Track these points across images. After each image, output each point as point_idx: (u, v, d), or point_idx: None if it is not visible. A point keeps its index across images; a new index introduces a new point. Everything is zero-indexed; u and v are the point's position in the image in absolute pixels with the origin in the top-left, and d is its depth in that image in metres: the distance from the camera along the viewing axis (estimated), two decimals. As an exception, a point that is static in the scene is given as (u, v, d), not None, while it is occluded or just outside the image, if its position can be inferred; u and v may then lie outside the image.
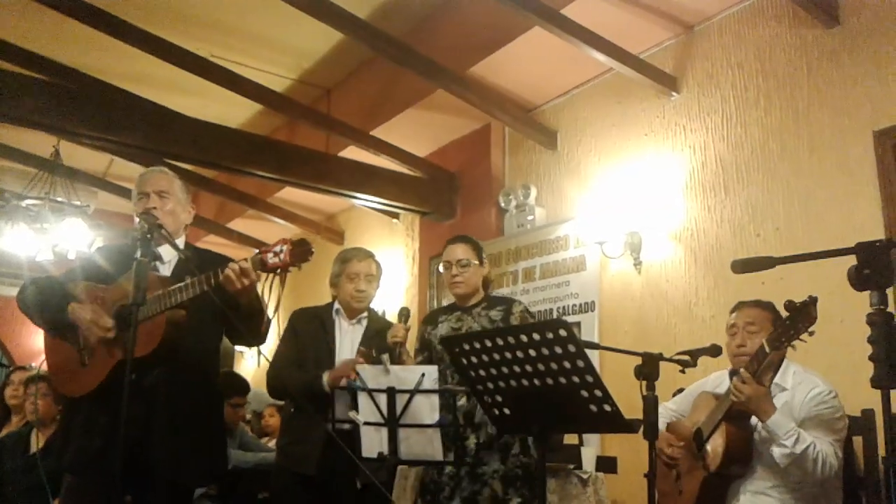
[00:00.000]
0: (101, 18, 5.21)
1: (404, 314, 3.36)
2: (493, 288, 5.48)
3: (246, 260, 2.62)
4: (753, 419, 2.87)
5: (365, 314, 3.64)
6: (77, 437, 2.75)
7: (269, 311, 2.79)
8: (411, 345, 3.48)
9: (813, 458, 2.68)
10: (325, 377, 3.34)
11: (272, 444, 5.29)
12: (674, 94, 4.74)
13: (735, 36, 4.49)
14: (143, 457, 2.61)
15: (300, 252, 2.51)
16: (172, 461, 2.68)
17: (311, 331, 3.58)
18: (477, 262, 3.44)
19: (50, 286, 2.86)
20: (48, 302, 2.80)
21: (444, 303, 3.63)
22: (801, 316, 2.57)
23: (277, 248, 2.53)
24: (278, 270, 2.54)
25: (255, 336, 2.90)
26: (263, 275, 2.59)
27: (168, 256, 2.89)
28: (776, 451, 2.73)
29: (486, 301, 3.46)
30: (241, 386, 5.21)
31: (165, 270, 2.88)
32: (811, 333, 2.60)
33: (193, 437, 2.78)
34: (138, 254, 2.53)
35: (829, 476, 2.74)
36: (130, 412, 2.40)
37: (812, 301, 2.56)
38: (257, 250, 2.61)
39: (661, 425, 3.19)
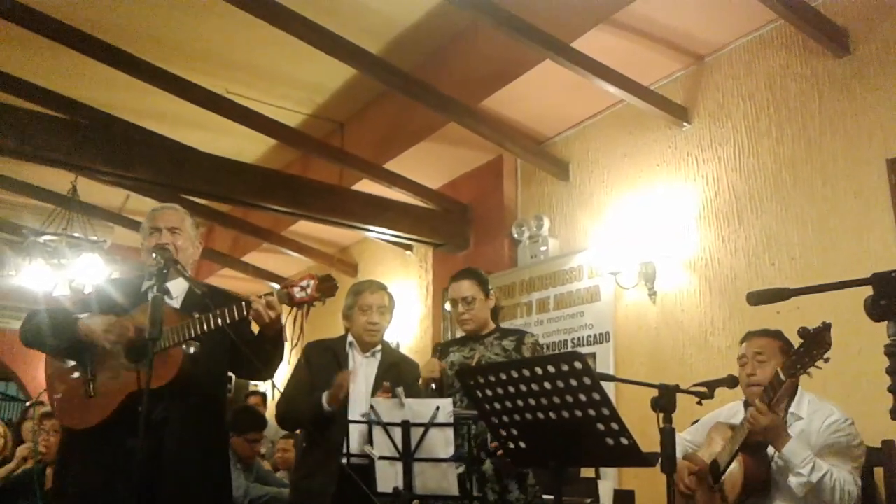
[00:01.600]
0: (118, 57, 5.31)
1: (438, 350, 3.36)
2: (507, 318, 5.52)
3: (272, 294, 2.69)
4: (770, 449, 2.83)
5: (379, 347, 3.63)
6: (78, 472, 2.73)
7: (288, 344, 2.85)
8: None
9: (830, 487, 2.64)
10: (325, 396, 3.34)
11: (286, 479, 5.27)
12: (685, 124, 4.75)
13: (745, 66, 4.51)
14: (151, 491, 2.59)
15: (326, 287, 2.63)
16: (181, 496, 2.66)
17: (324, 364, 3.57)
18: (483, 296, 3.43)
19: (60, 312, 2.83)
20: (58, 323, 2.75)
21: (458, 334, 3.61)
22: (816, 343, 2.55)
23: (304, 283, 2.64)
24: (304, 305, 2.64)
25: (270, 369, 2.95)
26: (286, 308, 2.69)
27: (176, 292, 2.90)
28: (793, 481, 2.69)
29: (498, 332, 3.46)
30: (258, 421, 5.19)
31: (174, 305, 2.88)
32: (826, 360, 2.58)
33: (201, 471, 2.78)
34: (154, 288, 2.57)
35: None
36: (137, 444, 2.43)
37: (826, 327, 2.54)
38: (280, 285, 2.70)
39: (677, 456, 3.16)
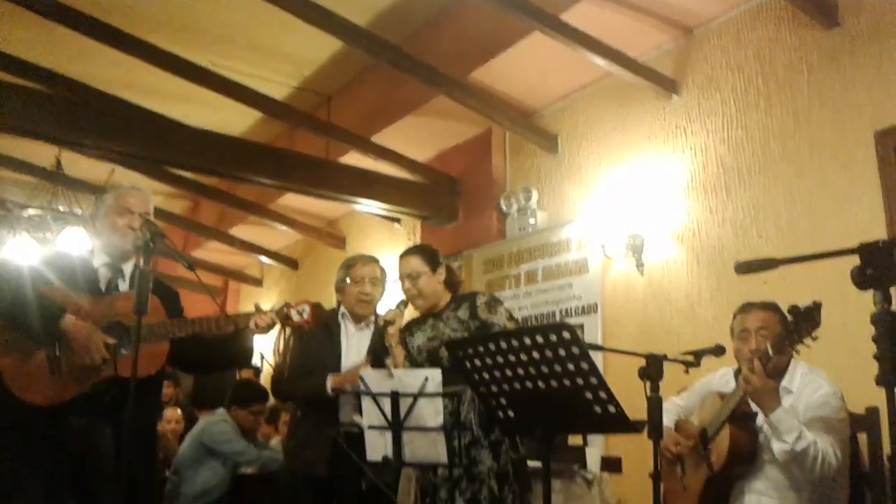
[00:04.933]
0: (102, 30, 5.24)
1: (402, 302, 3.37)
2: (495, 290, 5.54)
3: (270, 313, 2.89)
4: (759, 420, 2.87)
5: (371, 318, 3.66)
6: (11, 444, 2.66)
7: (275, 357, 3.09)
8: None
9: (812, 457, 2.67)
10: (329, 381, 3.37)
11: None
12: (674, 96, 4.75)
13: (734, 38, 4.50)
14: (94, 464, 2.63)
15: (318, 314, 2.95)
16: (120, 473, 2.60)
17: (317, 336, 3.60)
18: (429, 270, 3.38)
19: (46, 300, 2.68)
20: (41, 306, 2.64)
21: None
22: (806, 321, 2.57)
23: (301, 308, 2.92)
24: (295, 328, 2.98)
25: (208, 371, 3.27)
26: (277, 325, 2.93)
27: (127, 271, 2.92)
28: (776, 447, 2.72)
29: (453, 302, 3.42)
30: (260, 394, 5.24)
31: (124, 285, 2.90)
32: (815, 339, 2.59)
33: (147, 454, 2.84)
34: (140, 262, 2.59)
35: (828, 475, 2.73)
36: (83, 422, 2.58)
37: (816, 307, 2.55)
38: (280, 306, 2.95)
39: (670, 422, 3.19)
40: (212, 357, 3.02)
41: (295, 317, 2.89)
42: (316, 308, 2.90)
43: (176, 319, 2.75)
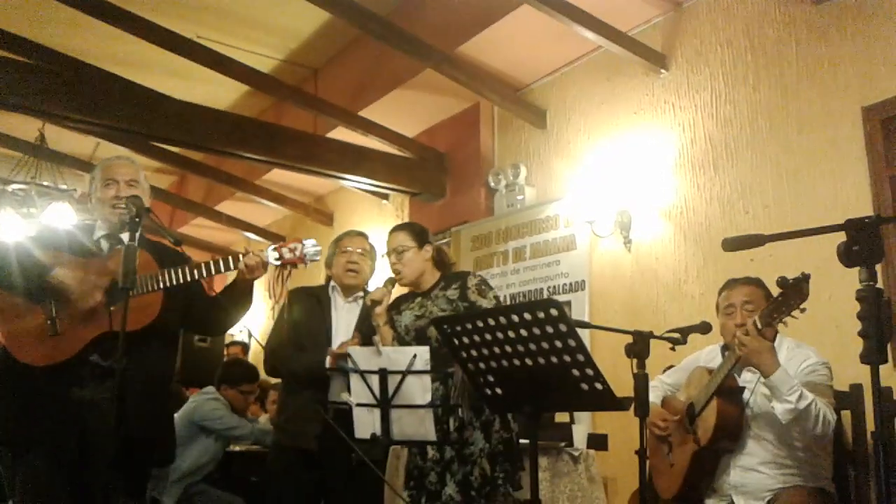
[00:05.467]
0: (87, 1, 5.15)
1: (389, 281, 3.35)
2: (483, 267, 5.54)
3: (263, 251, 2.82)
4: (745, 394, 2.89)
5: (361, 293, 3.66)
6: (13, 413, 2.68)
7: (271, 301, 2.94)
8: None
9: (815, 415, 2.67)
10: (328, 361, 3.37)
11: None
12: (663, 71, 4.73)
13: (724, 12, 4.47)
14: (97, 440, 2.57)
15: (312, 252, 2.81)
16: (133, 448, 2.60)
17: (307, 308, 3.60)
18: (415, 246, 3.35)
19: (30, 258, 2.72)
20: (27, 269, 2.68)
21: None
22: (794, 293, 2.57)
23: (293, 245, 2.82)
24: (290, 266, 2.84)
25: (228, 325, 3.15)
26: (272, 268, 2.85)
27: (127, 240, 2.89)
28: (778, 407, 2.70)
29: (443, 281, 3.39)
30: (250, 373, 5.23)
31: None
32: (803, 311, 2.60)
33: (155, 425, 2.82)
34: (126, 237, 2.57)
35: (828, 433, 2.76)
36: (89, 395, 2.54)
37: (804, 278, 2.56)
38: (271, 245, 2.85)
39: (656, 399, 3.21)
40: (216, 313, 2.99)
41: (287, 255, 2.79)
42: (308, 246, 2.80)
43: (165, 269, 2.70)
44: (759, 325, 2.70)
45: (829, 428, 2.73)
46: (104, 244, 2.88)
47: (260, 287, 3.06)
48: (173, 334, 3.00)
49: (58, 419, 2.63)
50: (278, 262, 2.81)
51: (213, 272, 2.73)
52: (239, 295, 2.93)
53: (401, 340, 3.30)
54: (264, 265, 2.80)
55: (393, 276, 3.36)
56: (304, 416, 3.42)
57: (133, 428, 2.53)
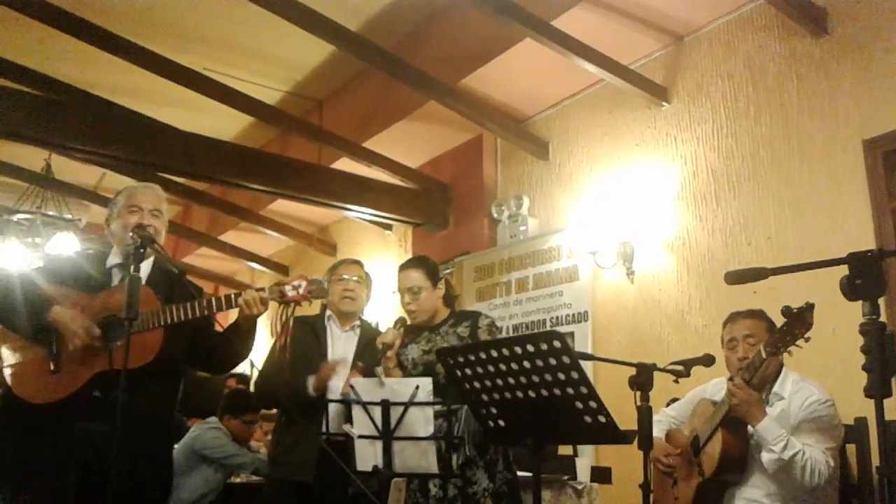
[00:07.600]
0: (94, 33, 5.22)
1: (400, 322, 3.35)
2: (486, 298, 5.54)
3: (264, 289, 2.79)
4: (750, 427, 2.87)
5: (357, 323, 3.65)
6: (17, 446, 2.66)
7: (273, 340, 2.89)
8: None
9: (801, 466, 2.68)
10: (311, 381, 3.35)
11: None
12: (664, 104, 4.76)
13: (724, 46, 4.51)
14: (100, 475, 2.51)
15: (316, 289, 2.77)
16: (133, 483, 2.57)
17: (302, 338, 3.57)
18: (430, 285, 3.33)
19: (33, 292, 2.72)
20: (31, 304, 2.68)
21: None
22: (798, 322, 2.58)
23: (296, 283, 2.78)
24: (292, 304, 2.78)
25: (234, 362, 3.08)
26: (274, 305, 2.81)
27: (142, 272, 2.84)
28: (765, 456, 2.73)
29: (452, 318, 3.37)
30: (253, 403, 5.19)
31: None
32: (807, 340, 2.60)
33: (155, 460, 2.80)
34: (131, 268, 2.56)
35: (819, 484, 2.73)
36: (93, 428, 2.49)
37: (809, 307, 2.56)
38: (273, 284, 2.82)
39: (661, 432, 3.19)
40: (222, 350, 2.96)
41: (290, 292, 2.76)
42: (312, 283, 2.77)
43: (167, 306, 2.68)
44: (765, 356, 2.70)
45: (821, 478, 2.70)
46: (115, 274, 2.87)
47: (265, 322, 3.04)
48: (176, 370, 2.97)
49: (59, 452, 2.61)
50: (280, 299, 2.77)
51: (214, 309, 2.70)
52: (242, 332, 2.90)
53: (407, 374, 3.26)
54: (263, 302, 2.77)
55: (404, 316, 3.33)
56: (299, 447, 3.39)
57: (133, 462, 2.51)
